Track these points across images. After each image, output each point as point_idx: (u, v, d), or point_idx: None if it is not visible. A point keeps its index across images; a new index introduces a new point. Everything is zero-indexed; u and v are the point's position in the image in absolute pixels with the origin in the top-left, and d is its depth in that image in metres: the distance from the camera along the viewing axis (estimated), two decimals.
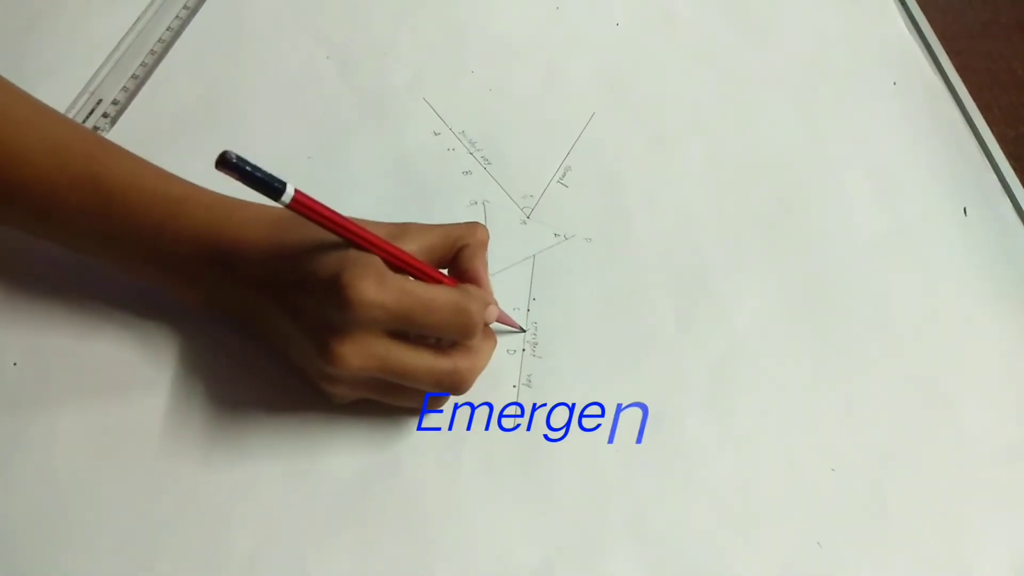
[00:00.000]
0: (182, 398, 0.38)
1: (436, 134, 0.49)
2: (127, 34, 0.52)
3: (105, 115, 0.48)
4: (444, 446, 0.38)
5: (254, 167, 0.28)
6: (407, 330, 0.34)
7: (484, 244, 0.37)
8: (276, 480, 0.37)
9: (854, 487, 0.39)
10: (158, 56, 0.51)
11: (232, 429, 0.38)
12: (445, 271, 0.37)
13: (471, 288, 0.36)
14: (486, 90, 0.51)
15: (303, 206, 0.30)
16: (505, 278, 0.43)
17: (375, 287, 0.32)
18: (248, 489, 0.36)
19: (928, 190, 0.50)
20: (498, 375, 0.40)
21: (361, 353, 0.32)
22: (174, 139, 0.47)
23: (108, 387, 0.38)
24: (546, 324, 0.42)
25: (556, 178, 0.48)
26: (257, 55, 0.52)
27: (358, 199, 0.46)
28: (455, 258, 0.37)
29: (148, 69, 0.51)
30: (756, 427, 0.40)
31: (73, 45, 0.51)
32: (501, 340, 0.41)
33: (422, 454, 0.38)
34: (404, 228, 0.36)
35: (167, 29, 0.53)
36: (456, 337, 0.34)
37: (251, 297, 0.36)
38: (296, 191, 0.29)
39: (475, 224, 0.38)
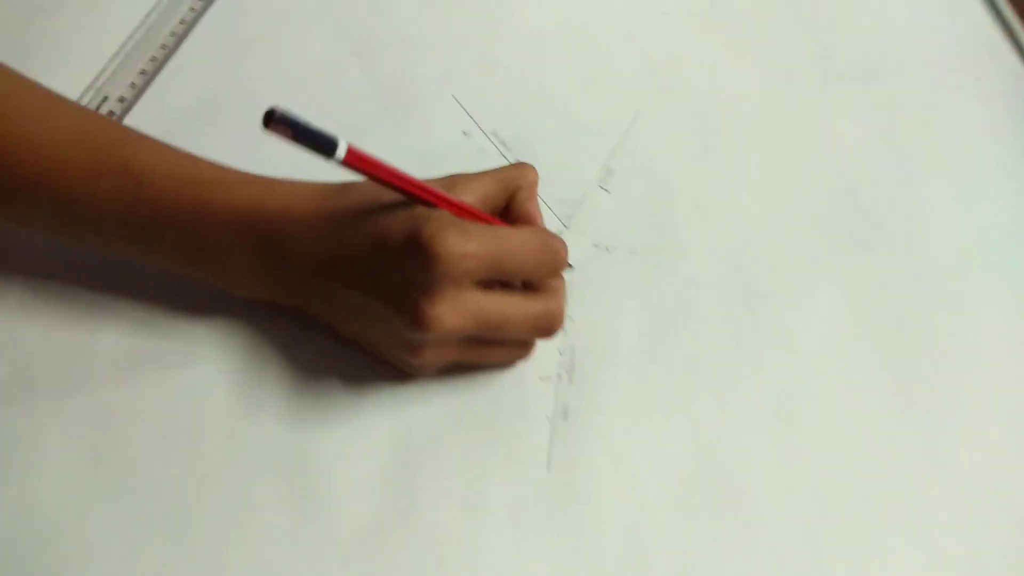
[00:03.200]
0: (238, 403, 0.34)
1: (465, 134, 0.45)
2: (138, 27, 0.49)
3: (111, 113, 0.45)
4: (466, 485, 0.34)
5: (305, 123, 0.26)
6: (497, 277, 0.32)
7: (535, 185, 0.36)
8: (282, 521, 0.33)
9: (943, 552, 0.34)
10: (169, 50, 0.48)
11: (309, 411, 0.34)
12: None
13: (540, 226, 0.35)
14: (520, 86, 0.47)
15: (360, 160, 0.28)
16: None
17: (461, 237, 0.29)
18: (245, 521, 0.32)
19: (1018, 194, 0.44)
20: (529, 404, 0.35)
21: (457, 310, 0.30)
22: (184, 139, 0.44)
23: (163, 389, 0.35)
24: (584, 347, 0.37)
25: (597, 182, 0.43)
26: (274, 49, 0.48)
27: None
28: (509, 203, 0.35)
29: (158, 64, 0.47)
30: (825, 466, 0.35)
31: (79, 38, 0.47)
32: (532, 365, 0.36)
33: (442, 496, 0.33)
34: (455, 180, 0.34)
35: (180, 22, 0.49)
36: (545, 276, 0.33)
37: (309, 278, 0.33)
38: (349, 146, 0.27)
39: (523, 165, 0.36)
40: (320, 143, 0.26)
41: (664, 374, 0.37)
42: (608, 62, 0.48)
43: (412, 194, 0.31)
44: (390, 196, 0.31)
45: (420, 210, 0.31)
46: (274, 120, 0.26)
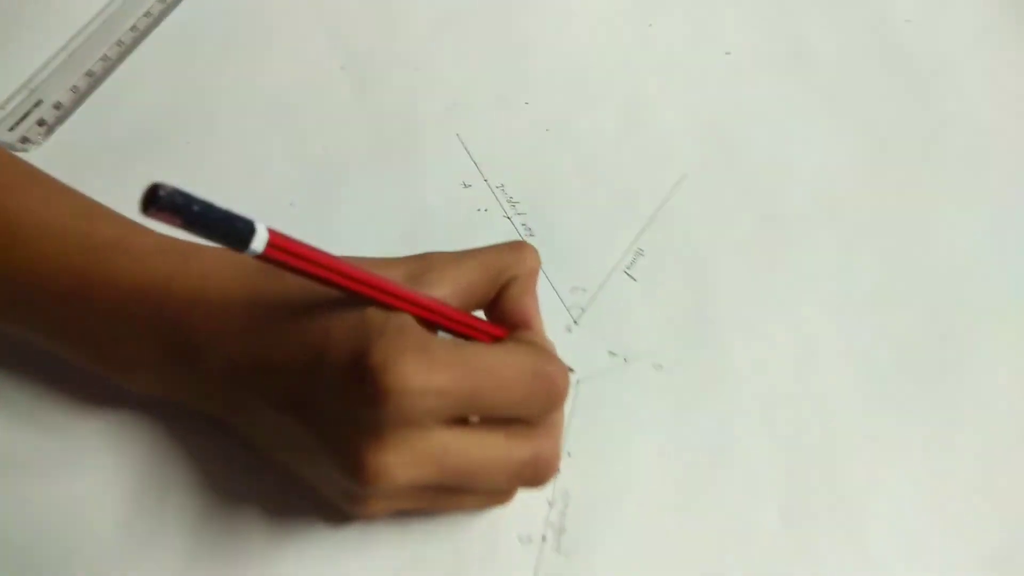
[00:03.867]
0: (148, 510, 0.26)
1: (466, 186, 0.36)
2: (93, 18, 0.41)
3: (41, 122, 0.37)
4: None
5: (204, 205, 0.18)
6: (471, 414, 0.24)
7: (536, 273, 0.27)
8: None
9: None
10: (125, 49, 0.40)
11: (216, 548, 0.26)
12: (480, 313, 0.27)
13: (536, 338, 0.26)
14: (541, 130, 0.38)
15: (284, 253, 0.20)
16: None
17: (423, 366, 0.21)
18: None
19: None
20: (501, 572, 0.27)
21: (412, 459, 0.22)
22: (127, 163, 0.36)
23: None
24: (582, 496, 0.28)
25: (622, 266, 0.34)
26: (252, 58, 0.40)
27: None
28: (499, 296, 0.27)
29: (109, 65, 0.39)
30: None
31: (18, 27, 0.40)
32: (511, 517, 0.27)
33: None
34: (427, 262, 0.26)
35: (145, 14, 0.41)
36: (539, 413, 0.24)
37: (226, 387, 0.25)
38: (271, 232, 0.19)
39: (522, 246, 0.27)
40: (228, 231, 0.19)
41: (687, 546, 0.28)
42: (652, 110, 0.39)
43: (362, 294, 0.22)
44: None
45: (372, 315, 0.23)
46: (154, 203, 0.17)
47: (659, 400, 0.31)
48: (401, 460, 0.22)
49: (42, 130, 0.37)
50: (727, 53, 0.42)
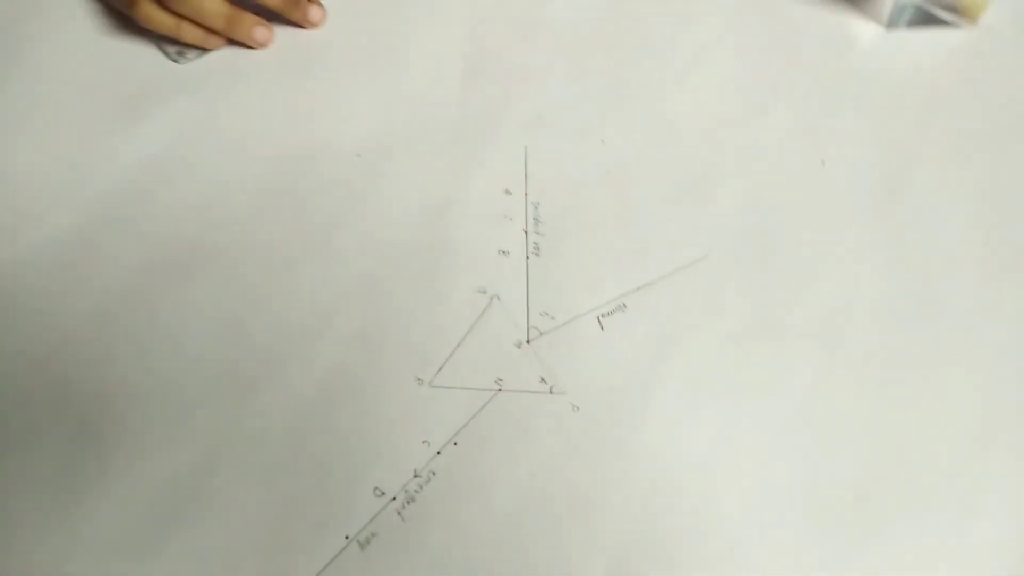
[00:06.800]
0: None
1: (508, 192, 0.40)
2: None
3: None
4: None
5: None
6: None
7: None
8: None
9: None
10: None
11: None
12: None
13: None
14: (602, 170, 0.41)
15: None
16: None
17: None
18: None
19: None
20: None
21: None
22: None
23: None
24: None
25: (599, 311, 0.36)
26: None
27: (373, 219, 0.38)
28: None
29: None
30: None
31: None
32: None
33: None
34: None
35: None
36: None
37: None
38: None
39: None
40: None
41: None
42: (709, 187, 0.40)
43: None
44: None
45: None
46: None
47: (568, 438, 0.33)
48: None
49: None
50: (823, 163, 0.41)
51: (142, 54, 0.43)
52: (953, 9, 0.43)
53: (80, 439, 0.33)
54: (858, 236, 0.38)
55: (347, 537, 0.31)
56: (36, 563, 0.31)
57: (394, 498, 0.32)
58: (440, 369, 0.35)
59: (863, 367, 0.35)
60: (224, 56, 0.43)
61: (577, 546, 0.32)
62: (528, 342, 0.36)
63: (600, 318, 0.36)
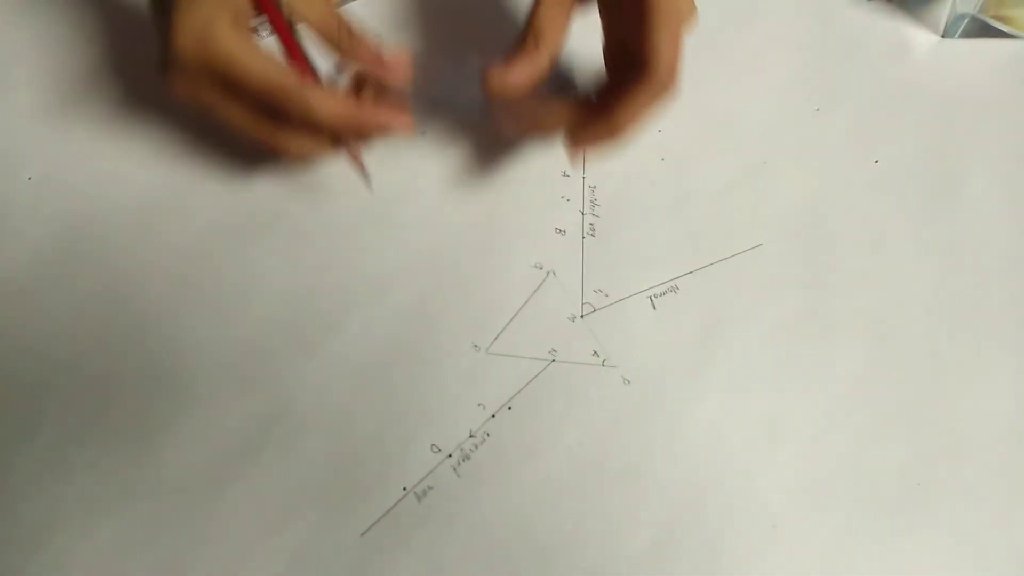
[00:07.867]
0: None
1: (565, 175, 0.41)
2: None
3: None
4: None
5: None
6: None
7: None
8: None
9: None
10: None
11: None
12: None
13: None
14: (657, 158, 0.42)
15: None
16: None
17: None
18: None
19: None
20: None
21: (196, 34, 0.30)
22: None
23: None
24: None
25: (651, 292, 0.38)
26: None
27: (436, 195, 0.40)
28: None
29: None
30: None
31: None
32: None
33: None
34: None
35: None
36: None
37: None
38: None
39: None
40: None
41: None
42: (767, 183, 0.41)
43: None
44: None
45: None
46: None
47: (619, 410, 0.34)
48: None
49: None
50: (875, 161, 0.42)
51: None
52: (1008, 21, 0.44)
53: (155, 387, 0.35)
54: (910, 236, 0.39)
55: (404, 489, 0.32)
56: (106, 499, 0.33)
57: (450, 455, 0.33)
58: (497, 337, 0.36)
59: (911, 362, 0.36)
60: None
61: (624, 514, 0.33)
62: (582, 317, 0.37)
63: (652, 298, 0.37)
